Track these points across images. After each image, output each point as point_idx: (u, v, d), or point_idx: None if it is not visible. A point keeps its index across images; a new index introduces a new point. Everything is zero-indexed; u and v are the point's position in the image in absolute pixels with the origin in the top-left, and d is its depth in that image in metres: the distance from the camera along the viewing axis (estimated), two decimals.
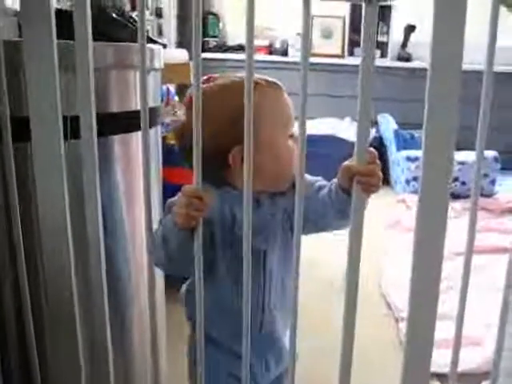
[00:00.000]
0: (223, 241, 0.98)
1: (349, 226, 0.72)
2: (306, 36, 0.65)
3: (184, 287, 1.09)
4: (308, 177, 1.00)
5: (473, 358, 1.87)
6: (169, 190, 1.36)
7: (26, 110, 0.75)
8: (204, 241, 0.92)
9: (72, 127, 0.88)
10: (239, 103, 0.87)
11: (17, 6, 0.73)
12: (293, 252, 0.98)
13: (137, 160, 1.16)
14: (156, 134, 1.31)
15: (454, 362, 0.81)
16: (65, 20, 0.76)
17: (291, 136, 0.98)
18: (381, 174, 0.77)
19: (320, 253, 1.31)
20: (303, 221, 0.96)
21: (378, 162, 0.76)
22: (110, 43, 1.03)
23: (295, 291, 0.74)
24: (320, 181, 1.00)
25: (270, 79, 1.00)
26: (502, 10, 0.73)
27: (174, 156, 2.06)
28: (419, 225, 0.71)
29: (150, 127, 1.15)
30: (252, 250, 0.96)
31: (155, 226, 0.77)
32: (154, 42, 1.42)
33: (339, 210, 0.89)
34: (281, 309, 1.05)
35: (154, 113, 1.23)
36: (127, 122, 1.08)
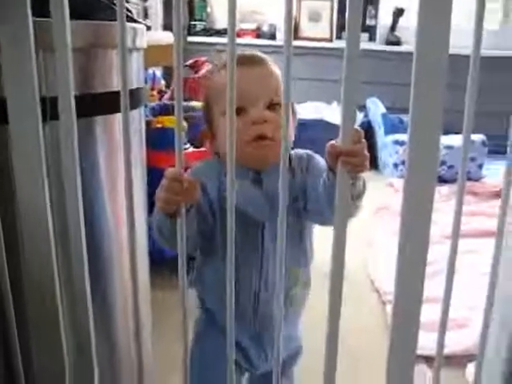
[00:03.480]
0: (221, 211, 0.99)
1: None
2: (289, 19, 0.63)
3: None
4: (322, 164, 0.98)
5: (460, 341, 1.88)
6: (154, 174, 1.35)
7: (4, 91, 0.73)
8: (204, 214, 0.96)
9: (52, 108, 0.86)
10: (209, 86, 1.04)
11: None
12: (298, 237, 0.99)
13: (120, 142, 1.14)
14: (140, 116, 1.29)
15: (440, 343, 0.80)
16: None
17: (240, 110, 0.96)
18: (367, 153, 0.75)
19: None
20: (306, 207, 0.98)
21: (363, 141, 0.74)
22: (89, 21, 1.00)
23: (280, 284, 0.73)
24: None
25: (241, 55, 0.98)
26: None
27: (160, 139, 2.05)
28: (405, 208, 0.70)
29: (133, 108, 1.13)
30: (250, 221, 0.97)
31: (137, 210, 0.75)
32: (138, 22, 1.39)
33: (325, 187, 0.87)
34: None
35: (137, 94, 1.21)
36: (109, 102, 1.06)
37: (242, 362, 1.09)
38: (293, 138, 1.06)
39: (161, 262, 1.79)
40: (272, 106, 0.98)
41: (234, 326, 0.77)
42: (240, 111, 0.96)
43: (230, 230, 0.72)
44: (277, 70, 1.02)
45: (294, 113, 1.05)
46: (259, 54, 1.03)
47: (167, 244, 0.93)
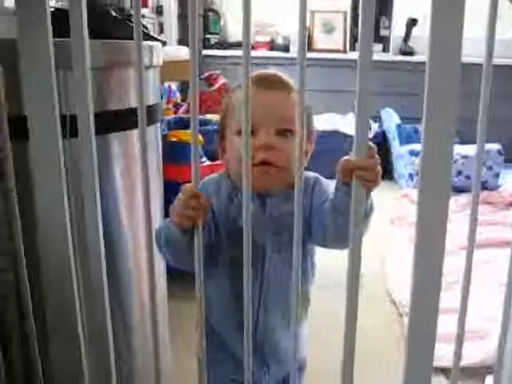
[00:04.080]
0: (227, 230, 0.99)
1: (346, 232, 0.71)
2: (303, 32, 0.65)
3: None
4: (330, 186, 0.96)
5: (478, 352, 1.86)
6: (170, 188, 1.37)
7: (25, 108, 0.75)
8: (209, 230, 0.96)
9: (72, 126, 0.88)
10: (227, 102, 1.04)
11: (13, 4, 0.73)
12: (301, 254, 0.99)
13: (137, 157, 1.16)
14: (156, 131, 1.31)
15: (457, 354, 0.80)
16: (63, 18, 0.76)
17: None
18: (380, 168, 0.75)
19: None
20: (310, 228, 0.98)
21: (377, 156, 0.74)
22: (108, 41, 1.03)
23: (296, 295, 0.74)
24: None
25: (260, 75, 1.00)
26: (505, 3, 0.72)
27: (176, 153, 2.07)
28: (420, 219, 0.70)
29: (150, 124, 1.15)
30: (252, 242, 0.98)
31: (155, 224, 0.76)
32: (154, 39, 1.41)
33: (332, 203, 0.87)
34: (279, 309, 1.05)
35: (153, 110, 1.22)
36: (127, 119, 1.08)
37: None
38: (304, 165, 1.04)
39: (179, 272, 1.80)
40: (283, 131, 0.96)
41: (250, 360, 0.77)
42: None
43: (247, 261, 0.72)
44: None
45: (310, 140, 1.03)
46: (283, 76, 1.00)
47: (173, 258, 0.94)
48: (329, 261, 1.10)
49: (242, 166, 0.69)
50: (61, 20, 0.77)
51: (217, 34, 4.94)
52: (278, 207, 1.00)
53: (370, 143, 0.70)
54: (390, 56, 4.71)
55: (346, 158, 0.71)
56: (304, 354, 1.16)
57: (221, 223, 1.00)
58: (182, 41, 4.33)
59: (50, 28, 0.71)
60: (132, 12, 1.41)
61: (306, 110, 1.02)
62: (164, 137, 2.04)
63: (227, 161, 1.04)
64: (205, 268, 1.04)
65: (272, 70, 1.03)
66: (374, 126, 4.40)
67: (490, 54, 0.69)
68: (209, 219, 0.95)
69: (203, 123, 2.41)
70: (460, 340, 0.80)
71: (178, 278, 1.77)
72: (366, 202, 0.79)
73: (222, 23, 4.99)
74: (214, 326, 1.07)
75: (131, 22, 1.27)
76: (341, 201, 0.83)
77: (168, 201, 1.26)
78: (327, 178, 1.06)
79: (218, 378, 1.07)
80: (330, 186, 1.00)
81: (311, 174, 1.05)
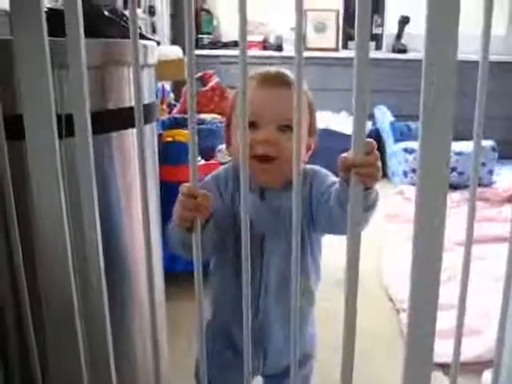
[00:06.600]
0: (233, 219, 1.03)
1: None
2: (299, 30, 0.64)
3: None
4: (333, 178, 1.01)
5: (474, 348, 1.87)
6: (166, 189, 1.36)
7: (20, 107, 0.75)
8: (220, 220, 0.98)
9: (68, 125, 0.87)
10: (235, 95, 1.06)
11: (7, 6, 0.73)
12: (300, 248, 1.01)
13: (133, 157, 1.16)
14: (152, 131, 1.30)
15: (456, 351, 0.80)
16: (57, 18, 0.76)
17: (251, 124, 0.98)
18: (380, 163, 0.75)
19: None
20: (313, 220, 1.02)
21: (376, 152, 0.74)
22: (103, 39, 1.02)
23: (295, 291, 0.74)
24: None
25: (263, 74, 1.04)
26: None
27: (171, 153, 2.07)
28: (418, 216, 0.70)
29: (145, 124, 1.15)
30: (252, 232, 0.99)
31: (152, 223, 0.76)
32: (147, 39, 1.41)
33: (339, 200, 0.89)
34: (279, 302, 1.06)
35: (149, 109, 1.22)
36: (122, 118, 1.08)
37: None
38: (305, 159, 1.08)
39: (172, 274, 1.80)
40: (284, 127, 0.99)
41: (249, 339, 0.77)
42: (251, 126, 0.98)
43: (245, 245, 0.72)
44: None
45: (313, 132, 1.08)
46: (286, 74, 1.03)
47: (186, 254, 0.95)
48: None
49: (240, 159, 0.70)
50: (52, 20, 0.77)
51: (209, 33, 4.92)
52: (276, 200, 1.03)
53: (369, 139, 0.70)
54: (382, 54, 4.72)
55: (344, 155, 0.71)
56: (307, 350, 1.16)
57: (229, 217, 1.02)
58: (174, 41, 4.31)
59: (45, 27, 0.70)
60: (125, 12, 1.40)
61: (309, 106, 1.06)
62: (159, 137, 2.03)
63: (233, 153, 1.07)
64: (216, 260, 1.06)
65: (275, 68, 1.06)
66: (368, 124, 4.41)
67: (485, 50, 0.69)
68: (218, 209, 0.98)
69: (197, 122, 2.40)
70: (459, 336, 0.80)
71: (172, 278, 1.77)
72: (368, 197, 0.80)
73: (214, 23, 4.97)
74: (218, 315, 1.11)
75: (123, 21, 1.27)
76: (343, 196, 0.84)
77: (163, 202, 1.26)
78: None
79: (216, 364, 1.07)
80: (330, 176, 1.01)
81: (309, 166, 1.08)
